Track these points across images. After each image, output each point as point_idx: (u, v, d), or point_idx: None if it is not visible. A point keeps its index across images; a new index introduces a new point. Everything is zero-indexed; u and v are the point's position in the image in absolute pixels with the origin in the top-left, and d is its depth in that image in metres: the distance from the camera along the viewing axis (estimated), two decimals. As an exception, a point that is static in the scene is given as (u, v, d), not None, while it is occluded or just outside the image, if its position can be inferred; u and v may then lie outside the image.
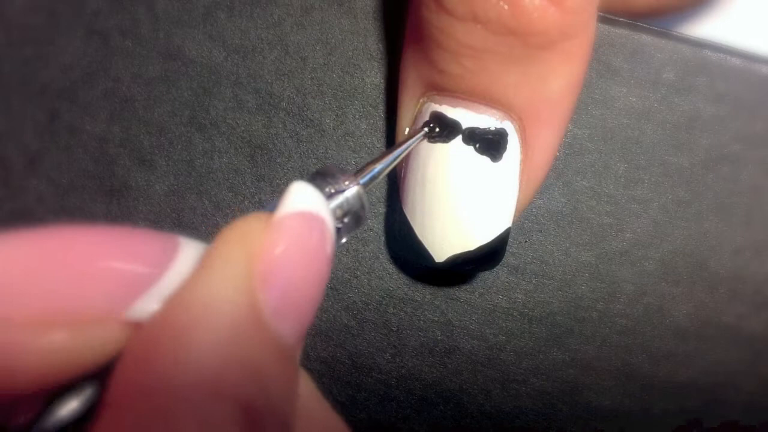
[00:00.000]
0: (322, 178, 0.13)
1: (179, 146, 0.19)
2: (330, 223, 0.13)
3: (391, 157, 0.15)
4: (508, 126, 0.16)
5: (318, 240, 0.12)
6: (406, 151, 0.16)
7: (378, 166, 0.14)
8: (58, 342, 0.11)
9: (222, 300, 0.11)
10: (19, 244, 0.11)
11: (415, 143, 0.16)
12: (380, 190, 0.19)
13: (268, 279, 0.11)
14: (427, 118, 0.16)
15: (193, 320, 0.11)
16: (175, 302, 0.11)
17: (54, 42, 0.19)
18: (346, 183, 0.13)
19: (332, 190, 0.13)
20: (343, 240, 0.14)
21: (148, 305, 0.11)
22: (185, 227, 0.19)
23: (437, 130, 0.16)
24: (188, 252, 0.12)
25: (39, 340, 0.10)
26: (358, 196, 0.13)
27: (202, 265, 0.11)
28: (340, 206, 0.13)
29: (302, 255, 0.12)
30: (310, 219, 0.12)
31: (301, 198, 0.12)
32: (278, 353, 0.11)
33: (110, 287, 0.11)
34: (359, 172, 0.14)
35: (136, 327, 0.11)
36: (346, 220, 0.13)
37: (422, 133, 0.16)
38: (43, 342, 0.10)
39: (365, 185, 0.14)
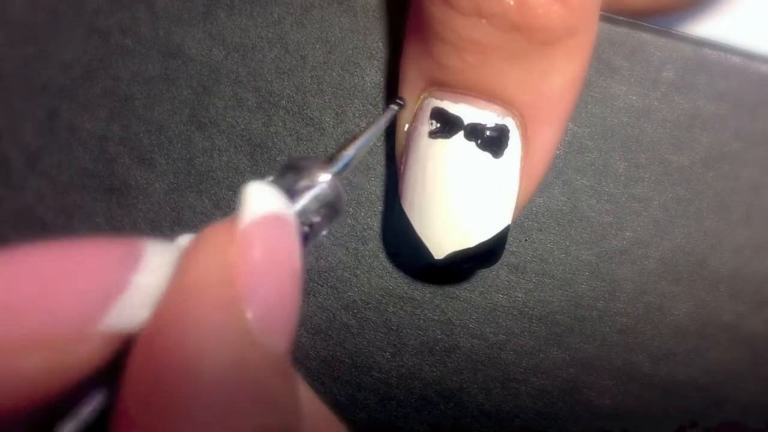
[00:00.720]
0: (293, 171, 0.13)
1: (179, 145, 0.19)
2: (293, 222, 0.12)
3: (363, 140, 0.14)
4: (510, 122, 0.16)
5: (288, 242, 0.12)
6: (378, 133, 0.15)
7: (350, 152, 0.14)
8: (33, 365, 0.10)
9: (214, 324, 0.10)
10: None
11: (386, 124, 0.15)
12: (379, 187, 0.18)
13: (250, 297, 0.11)
14: (428, 113, 0.16)
15: (194, 350, 0.10)
16: (166, 328, 0.11)
17: (54, 40, 0.19)
18: (319, 173, 0.13)
19: (306, 183, 0.13)
20: (324, 233, 0.13)
21: (121, 315, 0.11)
22: (185, 226, 0.19)
23: (400, 104, 0.16)
24: (154, 256, 0.11)
25: (13, 364, 0.10)
26: (333, 186, 0.13)
27: (182, 286, 0.11)
28: (315, 199, 0.13)
29: (275, 263, 0.11)
30: (274, 223, 0.12)
31: (259, 200, 0.12)
32: (277, 368, 0.11)
33: (77, 302, 0.10)
34: (331, 159, 0.13)
35: (123, 337, 0.11)
36: (322, 212, 0.13)
37: (392, 111, 0.16)
38: (18, 366, 0.10)
39: (339, 173, 0.13)
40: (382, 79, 0.18)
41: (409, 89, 0.17)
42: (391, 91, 0.18)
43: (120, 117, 0.19)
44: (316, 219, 0.13)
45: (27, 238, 0.19)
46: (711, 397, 0.20)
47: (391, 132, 0.18)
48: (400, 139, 0.17)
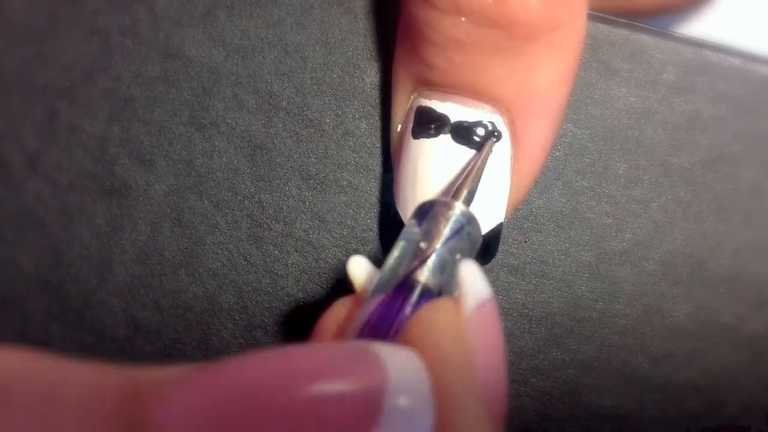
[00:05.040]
0: (430, 210, 0.14)
1: (179, 146, 0.19)
2: (497, 308, 0.13)
3: (476, 173, 0.15)
4: (497, 119, 0.16)
5: (498, 329, 0.12)
6: (484, 166, 0.16)
7: (470, 187, 0.15)
8: None
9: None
10: None
11: (490, 152, 0.16)
12: (379, 189, 0.19)
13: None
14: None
15: None
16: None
17: (54, 41, 0.19)
18: (460, 212, 0.14)
19: (450, 224, 0.13)
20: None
21: None
22: (185, 227, 0.19)
23: (498, 137, 0.16)
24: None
25: None
26: (473, 220, 0.14)
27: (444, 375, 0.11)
28: (460, 236, 0.13)
29: (492, 350, 0.12)
30: (490, 308, 0.12)
31: (477, 284, 0.12)
32: None
33: None
34: (455, 196, 0.14)
35: None
36: (466, 249, 0.14)
37: (492, 143, 0.16)
38: None
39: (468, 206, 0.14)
40: (381, 81, 0.18)
41: (401, 90, 0.17)
42: (390, 93, 0.18)
43: (120, 118, 0.19)
44: (458, 256, 0.13)
45: (27, 239, 0.19)
46: (710, 398, 0.20)
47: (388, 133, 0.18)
48: (394, 140, 0.17)
